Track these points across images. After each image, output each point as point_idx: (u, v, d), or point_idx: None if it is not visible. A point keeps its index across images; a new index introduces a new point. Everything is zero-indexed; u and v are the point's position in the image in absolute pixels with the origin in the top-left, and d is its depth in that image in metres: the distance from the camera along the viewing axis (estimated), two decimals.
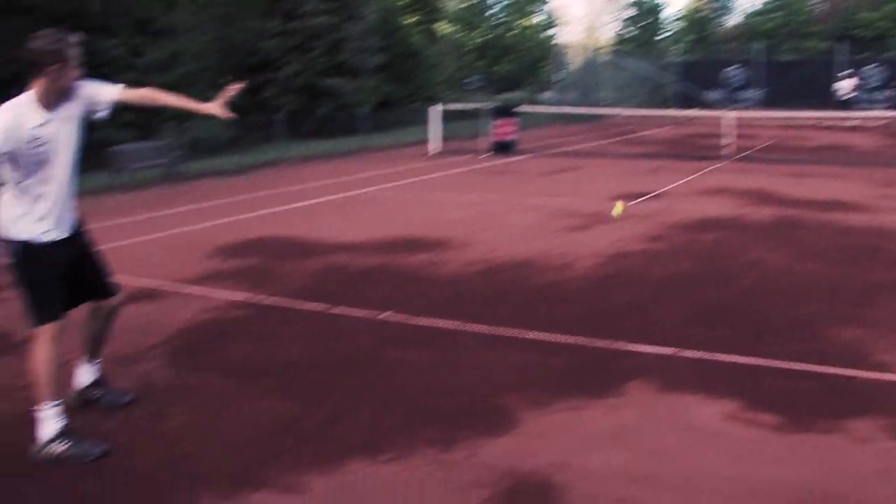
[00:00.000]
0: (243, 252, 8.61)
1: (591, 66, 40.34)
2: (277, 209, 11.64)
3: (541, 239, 9.05)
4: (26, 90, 3.79)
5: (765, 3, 46.07)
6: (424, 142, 20.96)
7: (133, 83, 4.43)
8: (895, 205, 11.11)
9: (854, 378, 4.74)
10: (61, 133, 3.86)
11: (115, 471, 3.73)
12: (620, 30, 50.96)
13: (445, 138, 20.78)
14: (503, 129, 20.03)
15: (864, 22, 40.59)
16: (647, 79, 38.53)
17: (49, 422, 3.85)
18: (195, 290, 7.04)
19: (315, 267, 7.85)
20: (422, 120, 22.73)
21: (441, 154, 19.60)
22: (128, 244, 9.05)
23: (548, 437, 4.02)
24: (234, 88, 4.33)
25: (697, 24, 48.47)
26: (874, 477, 3.57)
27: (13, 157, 3.70)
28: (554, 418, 4.24)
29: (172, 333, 5.79)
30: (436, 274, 7.52)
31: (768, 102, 35.29)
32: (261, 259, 8.27)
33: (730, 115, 19.44)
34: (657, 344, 5.36)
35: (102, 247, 4.48)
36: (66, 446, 3.82)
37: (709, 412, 4.27)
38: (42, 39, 3.73)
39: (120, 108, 4.18)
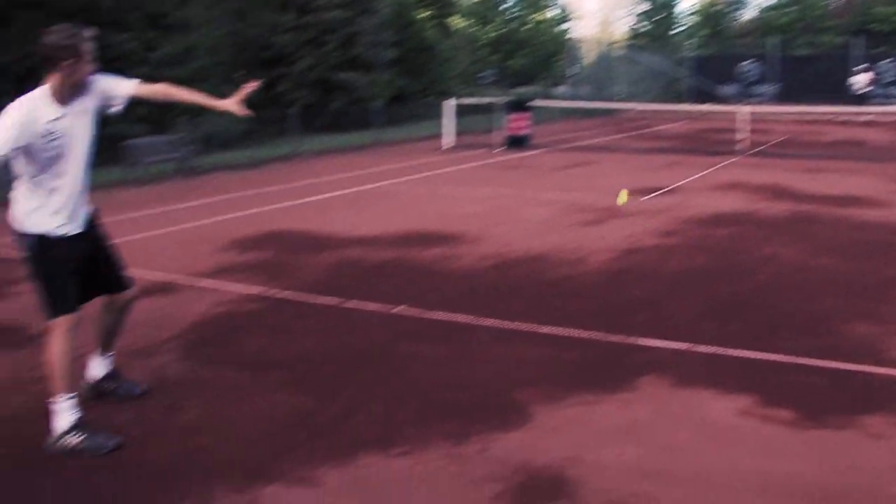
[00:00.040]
0: (257, 246, 8.63)
1: (606, 60, 40.30)
2: (291, 203, 11.66)
3: (555, 233, 9.04)
4: (41, 85, 3.80)
5: None
6: (438, 136, 20.95)
7: (146, 77, 4.43)
8: None
9: (869, 374, 4.71)
10: (76, 127, 3.87)
11: (128, 463, 3.75)
12: (634, 24, 50.67)
13: (459, 132, 20.78)
14: (517, 124, 19.99)
15: (881, 16, 40.17)
16: (661, 73, 38.42)
17: (64, 414, 3.88)
18: (209, 283, 7.07)
19: (329, 261, 7.86)
20: (435, 114, 22.75)
21: (455, 148, 19.58)
22: (141, 238, 9.09)
23: (561, 432, 4.01)
24: (250, 86, 4.34)
25: (712, 19, 48.10)
26: (889, 473, 3.54)
27: (28, 152, 3.71)
28: (567, 413, 4.24)
29: (186, 327, 5.81)
30: (449, 268, 7.52)
31: (783, 97, 35.01)
32: (274, 253, 8.29)
33: (744, 110, 19.35)
34: (671, 339, 5.34)
35: (116, 240, 4.50)
36: (80, 439, 3.84)
37: (722, 407, 4.26)
38: (56, 34, 3.74)
39: (133, 103, 4.19)
